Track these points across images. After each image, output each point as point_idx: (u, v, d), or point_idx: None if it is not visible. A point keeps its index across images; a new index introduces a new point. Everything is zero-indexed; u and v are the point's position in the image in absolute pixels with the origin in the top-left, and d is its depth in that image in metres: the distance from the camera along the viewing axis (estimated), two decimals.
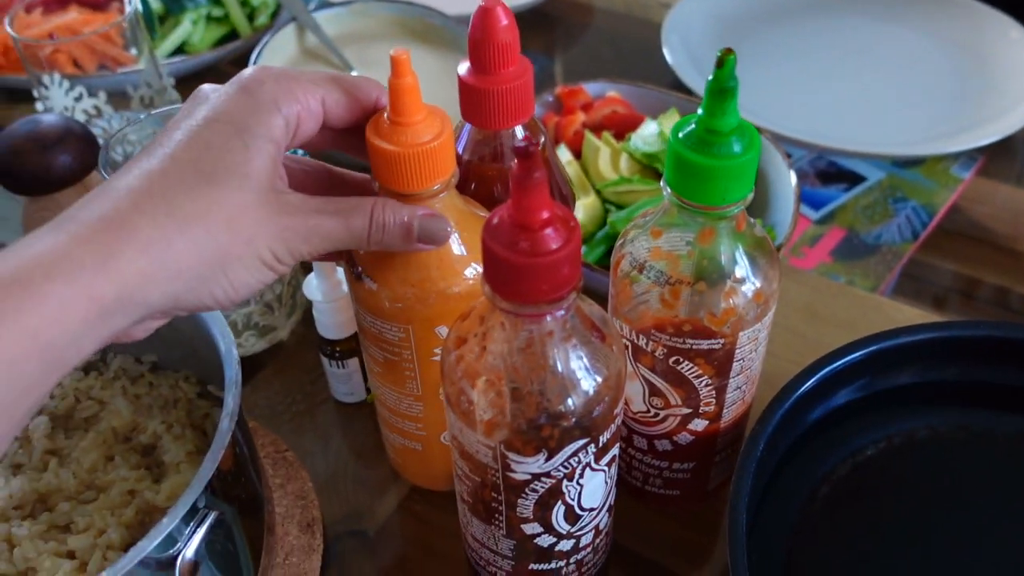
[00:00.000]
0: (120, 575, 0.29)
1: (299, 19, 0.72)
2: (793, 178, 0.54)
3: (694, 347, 0.35)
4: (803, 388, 0.39)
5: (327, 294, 0.45)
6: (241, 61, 0.76)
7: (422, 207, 0.34)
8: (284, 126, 0.32)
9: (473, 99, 0.38)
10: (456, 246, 0.36)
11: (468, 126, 0.40)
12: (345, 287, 0.45)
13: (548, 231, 0.27)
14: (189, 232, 0.29)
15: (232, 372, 0.34)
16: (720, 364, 0.36)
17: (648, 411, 0.39)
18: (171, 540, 0.31)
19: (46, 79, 0.62)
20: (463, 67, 0.39)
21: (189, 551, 0.31)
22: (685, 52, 0.74)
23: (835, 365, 0.40)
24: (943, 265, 0.62)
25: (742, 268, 0.34)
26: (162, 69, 0.65)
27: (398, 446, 0.44)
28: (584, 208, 0.53)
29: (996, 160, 0.68)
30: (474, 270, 0.36)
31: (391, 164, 0.33)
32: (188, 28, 0.74)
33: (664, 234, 0.35)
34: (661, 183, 0.34)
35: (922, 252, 0.63)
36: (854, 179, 0.69)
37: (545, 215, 0.27)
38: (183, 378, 0.42)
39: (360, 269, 0.37)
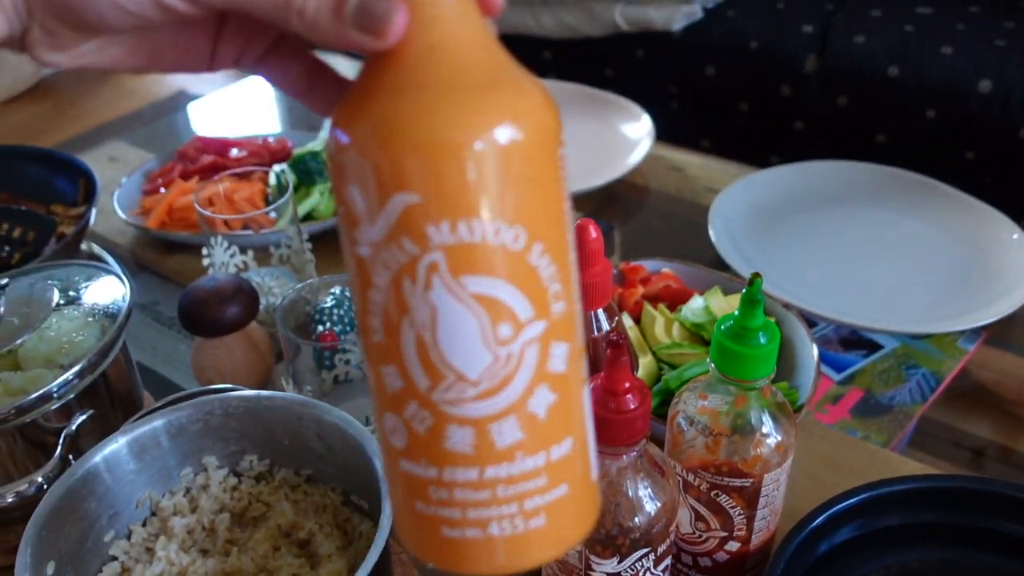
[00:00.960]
0: None
1: None
2: (815, 350, 0.66)
3: (730, 484, 0.47)
4: (813, 524, 0.50)
5: None
6: None
7: None
8: None
9: None
10: (468, 57, 0.25)
11: None
12: None
13: (629, 396, 0.40)
14: None
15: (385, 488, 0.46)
16: (750, 498, 0.47)
17: (694, 533, 0.50)
18: None
19: (213, 239, 0.78)
20: None
21: None
22: (726, 233, 0.88)
23: (837, 507, 0.51)
24: (951, 424, 0.73)
25: (767, 425, 0.46)
26: (301, 232, 0.81)
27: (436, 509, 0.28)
28: (643, 367, 0.66)
29: (1000, 330, 0.80)
30: (500, 109, 0.25)
31: None
32: (317, 199, 0.91)
33: (708, 396, 0.47)
34: (708, 360, 0.47)
35: (932, 412, 0.74)
36: (872, 347, 0.81)
37: (627, 385, 0.40)
38: (331, 489, 0.55)
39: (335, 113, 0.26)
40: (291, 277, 0.82)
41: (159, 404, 0.53)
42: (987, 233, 0.89)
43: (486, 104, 0.25)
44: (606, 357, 0.40)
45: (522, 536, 0.27)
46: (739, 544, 0.49)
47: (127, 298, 0.64)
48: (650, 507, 0.43)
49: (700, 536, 0.50)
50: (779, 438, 0.47)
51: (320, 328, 0.69)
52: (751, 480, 0.46)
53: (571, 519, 0.29)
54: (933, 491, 0.52)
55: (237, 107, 1.31)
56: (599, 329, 0.53)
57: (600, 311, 0.53)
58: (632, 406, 0.40)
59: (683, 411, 0.48)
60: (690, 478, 0.48)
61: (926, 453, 0.70)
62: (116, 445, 0.50)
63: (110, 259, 0.95)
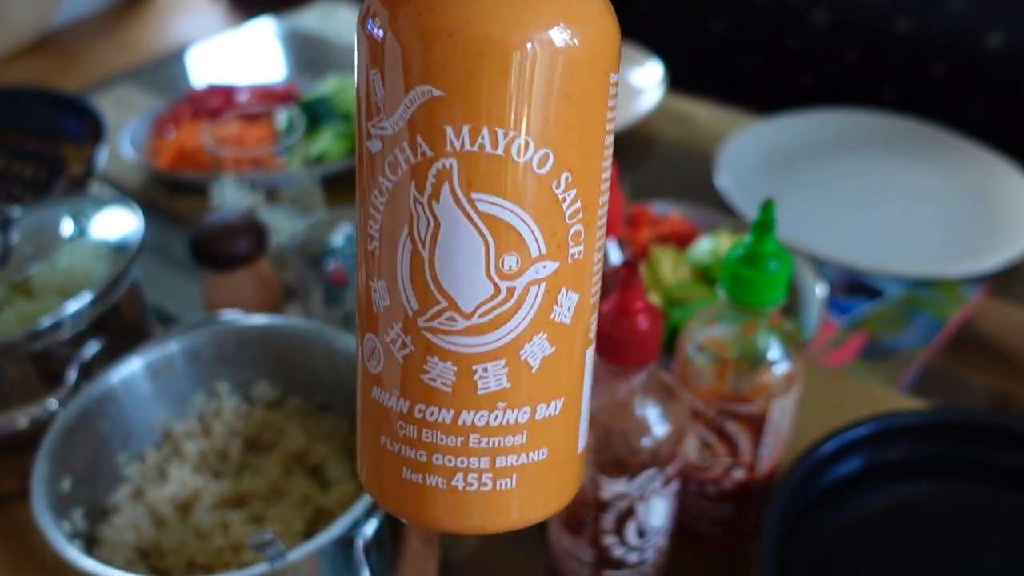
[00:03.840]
0: (326, 540, 0.42)
1: None
2: (819, 289, 0.67)
3: (737, 410, 0.47)
4: (820, 451, 0.51)
5: None
6: None
7: None
8: None
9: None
10: None
11: None
12: None
13: (640, 316, 0.40)
14: None
15: None
16: (756, 424, 0.48)
17: (701, 459, 0.51)
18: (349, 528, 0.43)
19: (223, 179, 0.78)
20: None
21: (369, 531, 0.43)
22: (734, 181, 0.88)
23: (845, 436, 0.52)
24: (954, 373, 0.74)
25: (775, 353, 0.47)
26: (312, 173, 0.81)
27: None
28: None
29: (1005, 282, 0.80)
30: (547, 8, 0.22)
31: None
32: (327, 142, 0.91)
33: (718, 324, 0.48)
34: (717, 287, 0.47)
35: (935, 361, 0.74)
36: (876, 293, 0.82)
37: (639, 305, 0.40)
38: (342, 416, 0.55)
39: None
40: (302, 217, 0.82)
41: (175, 330, 0.54)
42: (993, 181, 0.89)
43: (539, 2, 0.22)
44: (620, 277, 0.40)
45: (487, 496, 0.25)
46: (745, 471, 0.50)
47: (140, 230, 0.64)
48: (659, 429, 0.43)
49: (706, 463, 0.50)
50: (787, 366, 0.47)
51: (331, 264, 0.69)
52: (757, 407, 0.47)
53: (544, 488, 0.26)
54: (943, 424, 0.53)
55: (240, 54, 1.30)
56: (610, 260, 0.54)
57: (612, 241, 0.53)
58: (644, 327, 0.40)
59: (692, 339, 0.49)
60: (698, 404, 0.49)
61: (929, 400, 0.71)
62: (133, 367, 0.50)
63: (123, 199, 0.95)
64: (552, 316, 0.24)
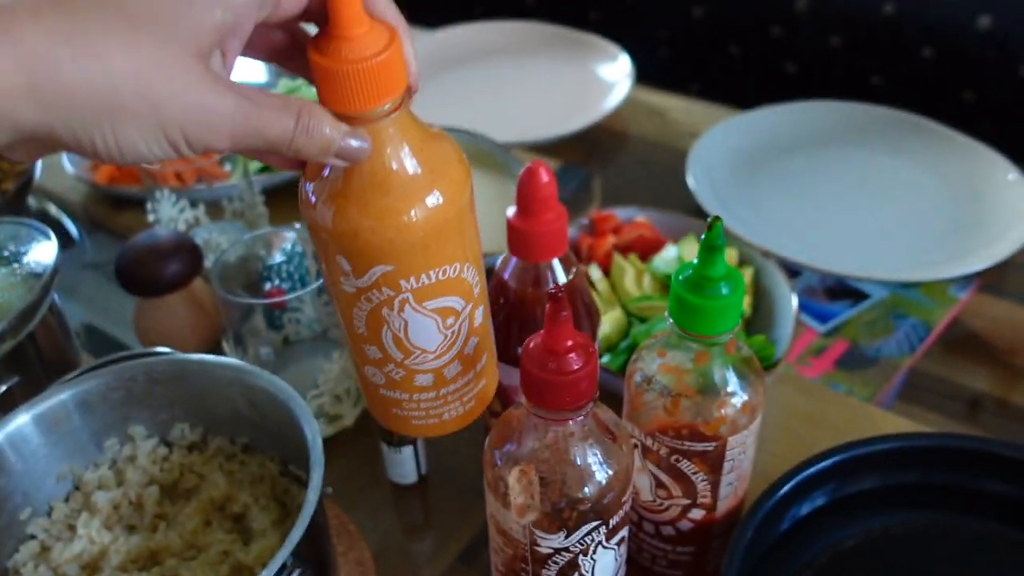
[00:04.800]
0: None
1: None
2: (794, 301, 0.62)
3: (691, 448, 0.43)
4: (781, 491, 0.46)
5: None
6: None
7: (347, 126, 0.31)
8: None
9: (519, 238, 0.47)
10: (412, 167, 0.33)
11: (514, 258, 0.49)
12: None
13: (571, 356, 0.36)
14: (85, 64, 0.25)
15: (317, 454, 0.43)
16: (713, 463, 0.43)
17: (655, 501, 0.46)
18: None
19: (158, 193, 0.74)
20: (511, 211, 0.48)
21: None
22: (706, 179, 0.83)
23: (807, 472, 0.47)
24: (943, 376, 0.69)
25: (732, 384, 0.42)
26: (254, 185, 0.76)
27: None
28: (610, 321, 0.62)
29: (995, 277, 0.76)
30: (436, 198, 0.34)
31: (329, 81, 0.30)
32: None
33: (668, 354, 0.43)
34: (665, 314, 0.42)
35: (923, 364, 0.70)
36: (859, 296, 0.77)
37: (569, 343, 0.36)
38: (268, 458, 0.51)
39: (311, 191, 0.34)
40: (245, 232, 0.77)
41: (75, 373, 0.49)
42: (981, 174, 0.84)
43: (430, 199, 0.34)
44: (546, 312, 0.36)
45: (463, 414, 0.41)
46: (704, 512, 0.45)
47: (55, 256, 0.60)
48: (600, 475, 0.39)
49: (661, 504, 0.46)
50: (745, 397, 0.42)
51: (268, 285, 0.65)
52: (714, 444, 0.42)
53: (491, 392, 0.43)
54: (911, 450, 0.48)
55: None
56: (554, 281, 0.49)
57: (556, 261, 0.49)
58: (575, 366, 0.36)
59: (641, 369, 0.44)
60: (649, 442, 0.44)
61: (917, 406, 0.67)
62: (19, 422, 0.46)
63: (63, 217, 0.90)
64: (474, 326, 0.39)
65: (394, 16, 0.32)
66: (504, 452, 0.39)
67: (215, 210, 0.76)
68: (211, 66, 0.28)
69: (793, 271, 0.74)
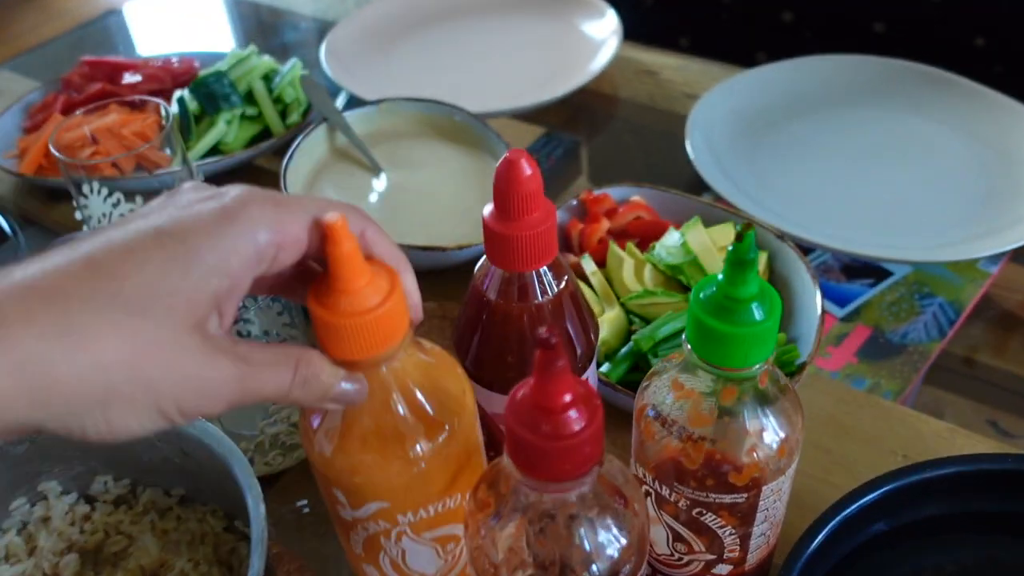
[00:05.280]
0: None
1: (329, 120, 0.74)
2: (818, 295, 0.54)
3: (717, 500, 0.35)
4: (827, 529, 0.38)
5: None
6: (274, 159, 0.79)
7: (344, 370, 0.31)
8: (253, 257, 0.28)
9: (498, 244, 0.39)
10: (413, 405, 0.33)
11: (494, 267, 0.40)
12: None
13: (571, 413, 0.28)
14: (77, 358, 0.25)
15: (259, 530, 0.35)
16: (744, 515, 0.36)
17: (672, 555, 0.38)
18: None
19: (85, 187, 0.64)
20: (488, 209, 0.39)
21: None
22: (707, 147, 0.75)
23: (856, 505, 0.40)
24: (976, 359, 0.62)
25: (766, 421, 0.34)
26: (196, 171, 0.67)
27: None
28: (608, 323, 0.54)
29: None
30: (437, 434, 0.34)
31: (329, 333, 0.30)
32: (223, 129, 0.76)
33: (686, 386, 0.35)
34: (682, 338, 0.34)
35: (952, 346, 0.62)
36: (880, 274, 0.69)
37: (568, 398, 0.28)
38: (210, 512, 0.43)
39: (313, 421, 0.34)
40: None
41: None
42: (1012, 133, 0.75)
43: (431, 436, 0.34)
44: (536, 361, 0.27)
45: None
46: (731, 567, 0.38)
47: None
48: (611, 550, 0.31)
49: (681, 559, 0.38)
50: (782, 435, 0.35)
51: None
52: (746, 495, 0.35)
53: None
54: (977, 474, 0.41)
55: (175, 19, 1.14)
56: (543, 293, 0.41)
57: (545, 269, 0.40)
58: (576, 427, 0.28)
59: (653, 404, 0.36)
60: (664, 492, 0.36)
61: (943, 390, 0.59)
62: None
63: None
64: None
65: (394, 256, 0.33)
66: (488, 525, 0.32)
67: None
68: (208, 330, 0.27)
69: (805, 249, 0.66)
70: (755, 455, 0.34)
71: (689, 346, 0.33)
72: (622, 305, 0.55)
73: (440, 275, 0.66)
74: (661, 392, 0.36)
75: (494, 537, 0.31)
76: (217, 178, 0.75)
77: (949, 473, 0.41)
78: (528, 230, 0.38)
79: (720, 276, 0.32)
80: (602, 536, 0.31)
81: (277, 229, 0.29)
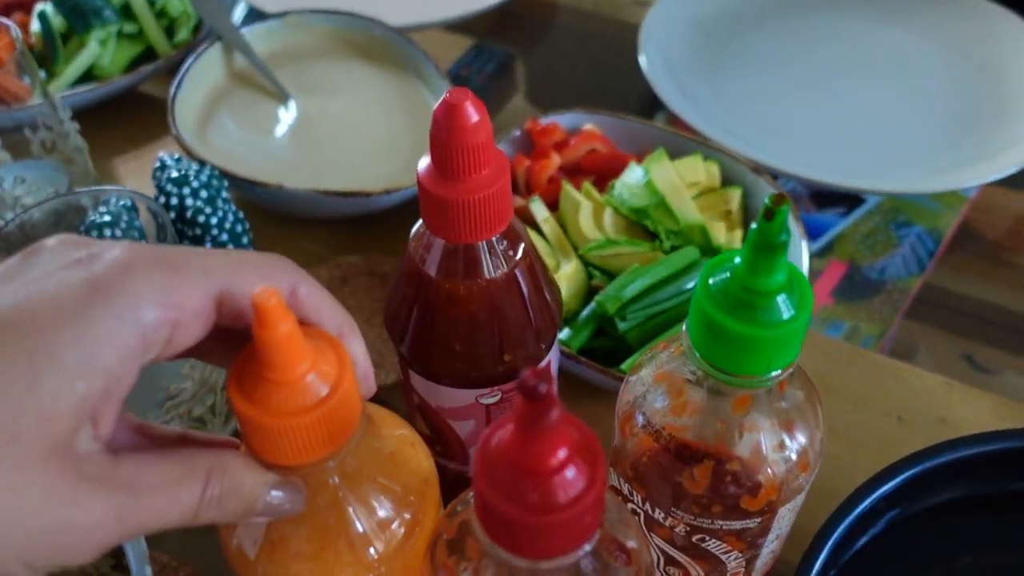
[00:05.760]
0: None
1: (225, 37, 0.62)
2: (804, 247, 0.47)
3: (724, 527, 0.29)
4: (842, 526, 0.33)
5: None
6: (160, 84, 0.67)
7: (274, 475, 0.24)
8: (136, 345, 0.22)
9: (439, 210, 0.31)
10: (367, 505, 0.27)
11: (435, 239, 0.32)
12: None
13: (566, 474, 0.20)
14: None
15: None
16: (754, 539, 0.29)
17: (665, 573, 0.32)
18: None
19: None
20: (423, 164, 0.31)
21: None
22: (663, 61, 0.67)
23: (873, 497, 0.34)
24: (956, 291, 0.57)
25: (784, 435, 0.28)
26: (60, 106, 0.56)
27: None
28: (566, 279, 0.46)
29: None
30: (395, 529, 0.27)
31: (262, 436, 0.23)
32: (95, 50, 0.64)
33: (685, 393, 0.28)
34: (683, 330, 0.27)
35: (933, 279, 0.57)
36: (852, 200, 0.63)
37: (562, 456, 0.20)
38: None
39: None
40: (61, 173, 0.57)
41: None
42: (998, 44, 0.69)
43: (388, 534, 0.27)
44: (519, 414, 0.20)
45: None
46: None
47: None
48: None
49: None
50: (803, 444, 0.28)
51: None
52: (758, 520, 0.28)
53: None
54: (987, 456, 0.36)
55: None
56: (495, 267, 0.33)
57: (497, 238, 0.32)
58: (573, 491, 0.20)
59: (642, 410, 0.29)
60: (657, 516, 0.30)
61: (916, 322, 0.55)
62: None
63: None
64: None
65: (337, 319, 0.26)
66: None
67: (17, 143, 0.56)
68: (76, 449, 0.21)
69: (772, 175, 0.59)
70: (772, 473, 0.28)
71: (693, 348, 0.26)
72: (580, 257, 0.48)
73: (365, 223, 0.57)
74: (652, 396, 0.29)
75: None
76: (93, 109, 0.64)
77: (966, 456, 0.36)
78: (476, 192, 0.30)
79: (737, 260, 0.25)
80: None
81: (170, 303, 0.22)
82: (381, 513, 0.27)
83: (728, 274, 0.25)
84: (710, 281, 0.25)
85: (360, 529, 0.26)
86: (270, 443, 0.23)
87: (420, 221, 0.33)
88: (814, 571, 0.32)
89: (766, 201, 0.23)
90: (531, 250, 0.34)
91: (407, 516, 0.27)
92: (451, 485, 0.41)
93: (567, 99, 0.71)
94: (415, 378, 0.37)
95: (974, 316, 0.57)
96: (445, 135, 0.29)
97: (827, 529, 0.33)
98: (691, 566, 0.31)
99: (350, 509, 0.26)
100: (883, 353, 0.53)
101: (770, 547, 0.31)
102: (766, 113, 0.65)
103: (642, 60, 0.65)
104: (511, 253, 0.33)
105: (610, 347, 0.45)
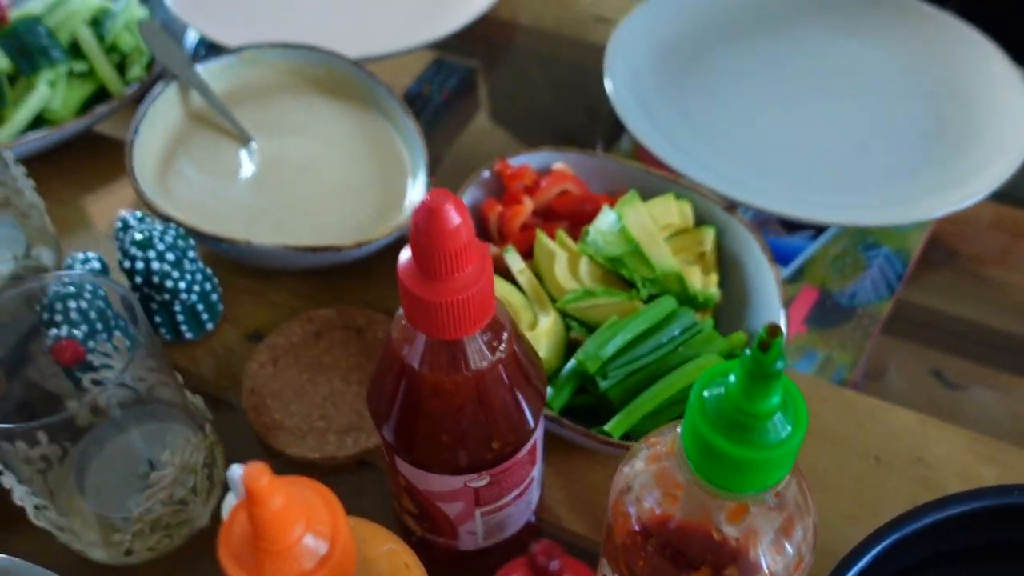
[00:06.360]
0: None
1: (180, 76, 0.60)
2: (774, 279, 0.48)
3: None
4: None
5: None
6: (114, 123, 0.65)
7: None
8: None
9: (422, 310, 0.30)
10: None
11: (418, 334, 0.32)
12: None
13: None
14: None
15: None
16: None
17: None
18: None
19: None
20: (404, 259, 0.30)
21: None
22: (629, 85, 0.66)
23: (870, 556, 0.35)
24: (926, 306, 0.58)
25: (782, 539, 0.28)
26: (11, 162, 0.53)
27: None
28: (544, 336, 0.46)
29: None
30: None
31: None
32: (45, 93, 0.62)
33: (679, 497, 0.28)
34: (676, 434, 0.27)
35: (903, 295, 0.58)
36: (821, 226, 0.63)
37: None
38: None
39: None
40: (17, 229, 0.55)
41: None
42: (966, 62, 0.69)
43: None
44: None
45: None
46: None
47: None
48: None
49: None
50: (798, 539, 0.28)
51: (54, 334, 0.45)
52: None
53: None
54: (976, 513, 0.36)
55: None
56: (481, 358, 0.32)
57: (478, 336, 0.32)
58: None
59: (636, 514, 0.29)
60: None
61: (886, 336, 0.56)
62: None
63: None
64: None
65: None
66: None
67: None
68: None
69: (734, 202, 0.59)
70: (767, 563, 0.28)
71: (689, 463, 0.26)
72: (557, 309, 0.47)
73: (337, 273, 0.56)
74: (647, 494, 0.29)
75: None
76: (44, 156, 0.62)
77: (963, 511, 0.36)
78: (459, 293, 0.29)
79: (731, 378, 0.24)
80: None
81: None
82: None
83: (722, 390, 0.25)
84: (704, 394, 0.25)
85: None
86: None
87: (401, 311, 0.33)
88: None
89: (760, 332, 0.22)
90: (513, 335, 0.34)
91: None
92: (440, 558, 0.41)
93: (531, 119, 0.70)
94: (400, 464, 0.36)
95: (944, 331, 0.58)
96: (425, 239, 0.29)
97: None
98: None
99: None
100: (856, 374, 0.54)
101: None
102: (734, 135, 0.65)
103: (608, 84, 0.65)
104: (495, 343, 0.33)
105: (591, 404, 0.45)
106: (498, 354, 0.33)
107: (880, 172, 0.63)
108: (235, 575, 0.22)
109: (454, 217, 0.28)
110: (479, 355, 0.32)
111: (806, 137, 0.65)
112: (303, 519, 0.23)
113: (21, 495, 0.39)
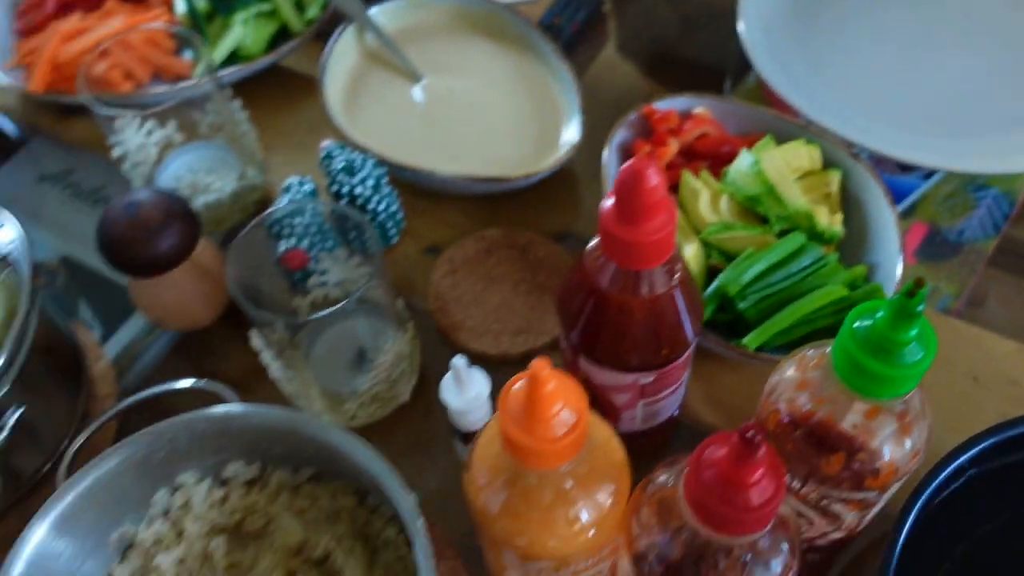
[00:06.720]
0: None
1: (355, 18, 0.68)
2: (892, 218, 0.54)
3: (848, 497, 0.37)
4: (932, 486, 0.41)
5: (466, 401, 0.46)
6: (298, 61, 0.74)
7: None
8: None
9: (619, 246, 0.38)
10: (592, 489, 0.37)
11: (611, 263, 0.40)
12: (484, 392, 0.47)
13: (762, 485, 0.29)
14: None
15: (422, 548, 0.37)
16: (871, 503, 0.38)
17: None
18: None
19: (118, 123, 0.60)
20: (606, 206, 0.38)
21: None
22: (761, 27, 0.71)
23: (952, 466, 0.42)
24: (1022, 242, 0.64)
25: (904, 437, 0.36)
26: (224, 89, 0.62)
27: None
28: (691, 261, 0.54)
29: None
30: (606, 498, 0.37)
31: (531, 456, 0.33)
32: (240, 32, 0.71)
33: (824, 397, 0.36)
34: (826, 353, 0.35)
35: (1010, 233, 0.64)
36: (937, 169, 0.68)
37: (759, 473, 0.29)
38: (340, 489, 0.45)
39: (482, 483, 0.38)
40: (230, 154, 0.65)
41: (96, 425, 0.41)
42: None
43: (602, 504, 0.37)
44: (735, 451, 0.28)
45: None
46: (845, 533, 0.41)
47: (21, 244, 0.49)
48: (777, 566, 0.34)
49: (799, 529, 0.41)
50: (916, 437, 0.37)
51: (283, 246, 0.55)
52: (876, 492, 0.37)
53: None
54: None
55: None
56: (660, 286, 0.41)
57: (659, 267, 0.40)
58: (766, 496, 0.29)
59: (786, 410, 0.37)
60: (795, 484, 0.38)
61: (1001, 272, 0.62)
62: (38, 537, 0.38)
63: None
64: None
65: None
66: (651, 542, 0.34)
67: (186, 125, 0.63)
68: None
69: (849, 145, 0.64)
70: (893, 461, 0.36)
71: (839, 376, 0.34)
72: (700, 239, 0.55)
73: (501, 198, 0.64)
74: (797, 396, 0.37)
75: (659, 555, 0.34)
76: (239, 86, 0.71)
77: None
78: (651, 236, 0.38)
79: (879, 313, 0.32)
80: (773, 563, 0.33)
81: None
82: (599, 495, 0.36)
83: (870, 321, 0.33)
84: (855, 326, 0.33)
85: (580, 503, 0.36)
86: (537, 460, 0.33)
87: (594, 241, 0.41)
88: (907, 525, 0.41)
89: (908, 283, 0.30)
90: (685, 272, 0.42)
91: (612, 490, 0.37)
92: None
93: (658, 54, 0.75)
94: (583, 362, 0.45)
95: None
96: (627, 191, 0.37)
97: (921, 487, 0.42)
98: (816, 518, 0.40)
99: (575, 489, 0.36)
100: (960, 304, 0.60)
101: (880, 507, 0.40)
102: (860, 78, 0.68)
103: (740, 26, 0.70)
104: (670, 273, 0.41)
105: (730, 320, 0.53)
106: (672, 281, 0.41)
107: (998, 120, 0.67)
108: (513, 432, 0.32)
109: (653, 178, 0.36)
110: (658, 282, 0.41)
111: (931, 81, 0.69)
112: (563, 399, 0.32)
113: (275, 370, 0.50)
